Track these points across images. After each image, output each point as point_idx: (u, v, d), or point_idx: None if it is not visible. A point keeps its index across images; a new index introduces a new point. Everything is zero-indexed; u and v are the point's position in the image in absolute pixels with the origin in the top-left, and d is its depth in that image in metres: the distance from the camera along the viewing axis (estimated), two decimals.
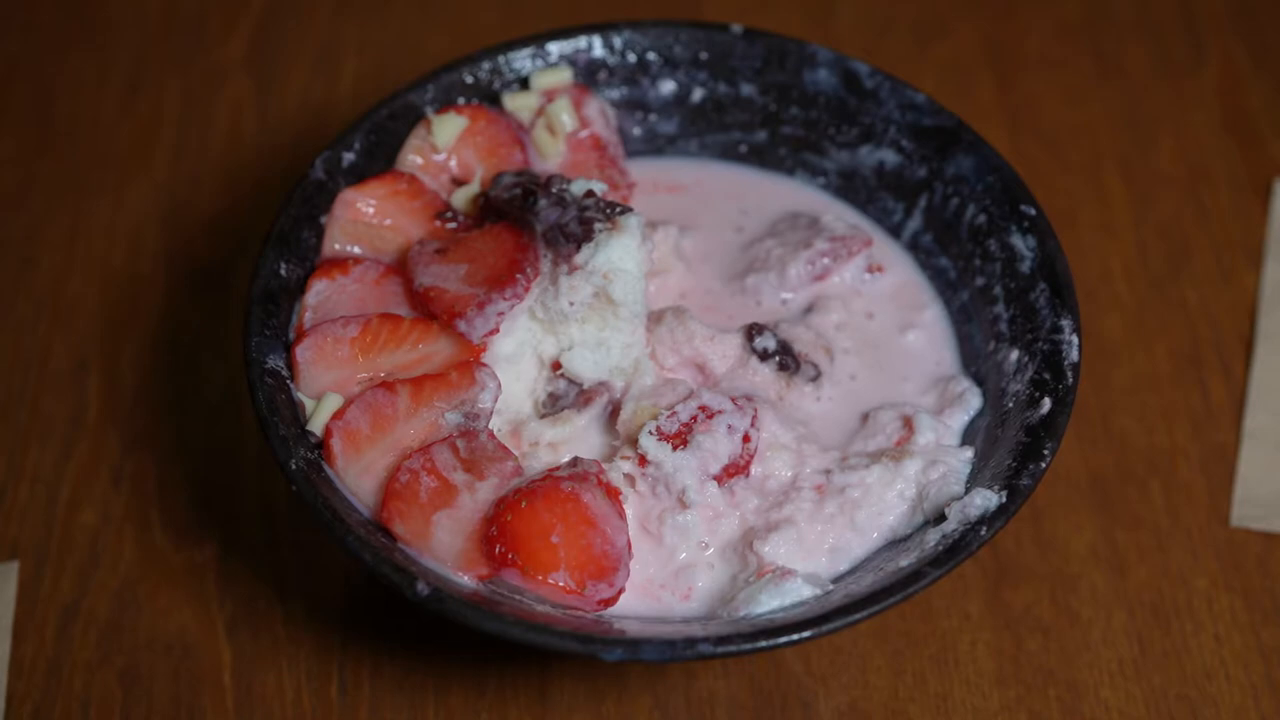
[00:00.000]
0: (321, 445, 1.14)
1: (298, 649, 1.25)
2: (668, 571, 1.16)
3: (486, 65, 1.34)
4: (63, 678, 1.23)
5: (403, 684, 1.23)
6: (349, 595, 1.28)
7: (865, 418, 1.24)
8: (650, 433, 1.17)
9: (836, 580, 1.14)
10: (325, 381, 1.17)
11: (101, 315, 1.45)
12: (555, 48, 1.35)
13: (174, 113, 1.60)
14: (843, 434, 1.24)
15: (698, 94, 1.37)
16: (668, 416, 1.17)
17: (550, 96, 1.33)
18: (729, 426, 1.17)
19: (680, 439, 1.17)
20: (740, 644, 1.04)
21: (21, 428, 1.37)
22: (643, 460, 1.17)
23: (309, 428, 1.15)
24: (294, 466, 1.10)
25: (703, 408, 1.18)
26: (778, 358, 1.23)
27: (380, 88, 1.52)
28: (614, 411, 1.22)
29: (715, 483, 1.17)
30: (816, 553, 1.16)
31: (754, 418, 1.19)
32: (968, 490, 1.14)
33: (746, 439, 1.18)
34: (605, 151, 1.32)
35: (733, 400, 1.19)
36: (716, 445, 1.16)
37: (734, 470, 1.17)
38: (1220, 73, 1.60)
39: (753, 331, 1.24)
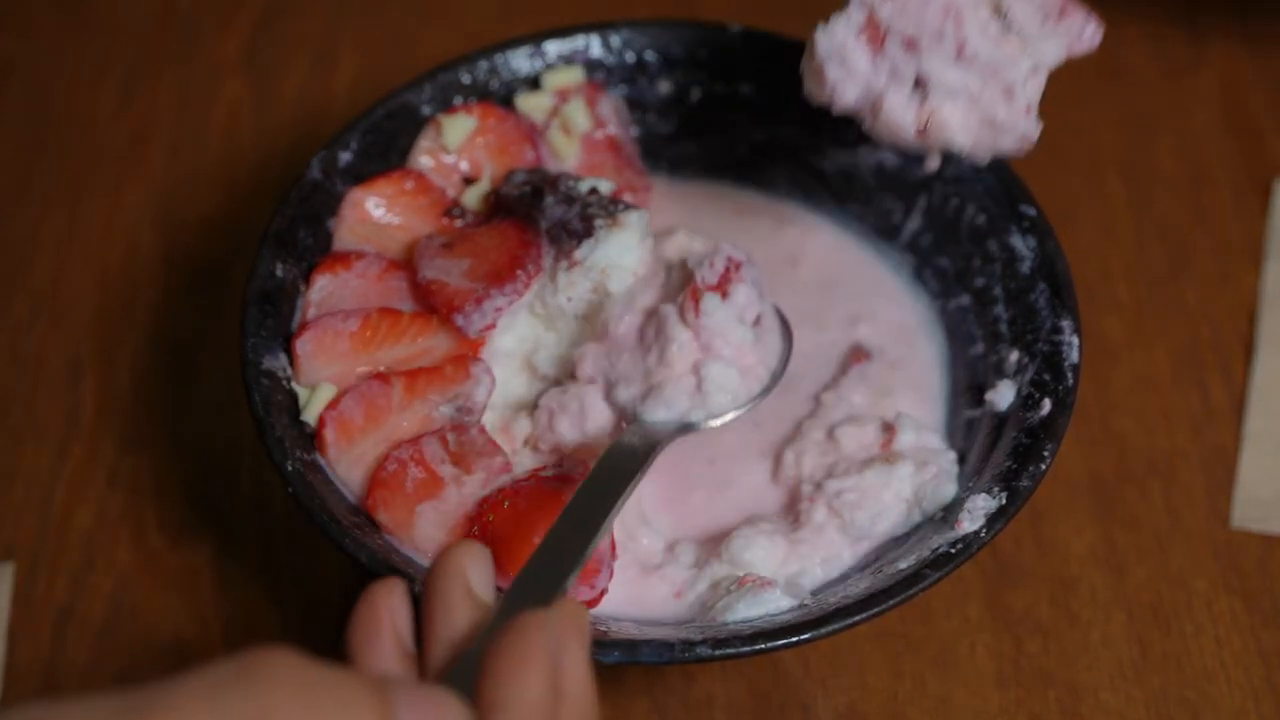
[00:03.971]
0: (315, 435, 1.14)
1: None
2: (649, 576, 1.15)
3: (484, 65, 1.33)
4: (58, 681, 1.23)
5: None
6: (346, 597, 1.27)
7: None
8: (700, 285, 1.15)
9: (823, 588, 1.13)
10: (324, 375, 1.17)
11: (97, 316, 1.44)
12: (553, 47, 1.34)
13: (170, 112, 1.60)
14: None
15: (696, 94, 1.36)
16: (708, 267, 1.16)
17: (564, 96, 1.32)
18: (753, 279, 1.17)
19: (721, 289, 1.16)
20: (738, 646, 1.03)
21: (17, 428, 1.37)
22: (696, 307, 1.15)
23: (303, 417, 1.15)
24: (290, 468, 1.10)
25: (730, 259, 1.16)
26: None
27: (377, 87, 1.52)
28: None
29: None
30: (802, 562, 1.15)
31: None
32: (965, 492, 1.13)
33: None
34: (621, 152, 1.32)
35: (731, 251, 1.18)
36: (744, 298, 1.16)
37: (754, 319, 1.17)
38: (1220, 73, 1.60)
39: None
